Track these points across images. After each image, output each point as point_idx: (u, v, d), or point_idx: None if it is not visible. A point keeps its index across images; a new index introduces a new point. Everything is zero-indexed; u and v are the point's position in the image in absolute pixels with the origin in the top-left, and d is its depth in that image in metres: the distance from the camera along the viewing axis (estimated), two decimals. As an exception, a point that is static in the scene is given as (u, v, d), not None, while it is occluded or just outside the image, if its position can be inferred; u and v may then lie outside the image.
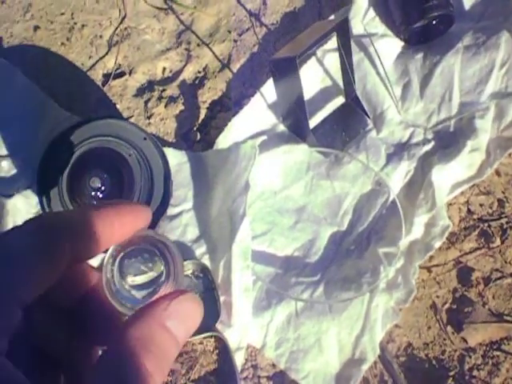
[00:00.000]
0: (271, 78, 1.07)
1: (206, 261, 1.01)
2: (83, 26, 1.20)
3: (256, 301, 0.99)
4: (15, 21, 1.20)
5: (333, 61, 1.09)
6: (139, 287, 0.38)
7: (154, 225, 1.00)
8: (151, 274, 0.38)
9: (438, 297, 1.00)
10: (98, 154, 0.99)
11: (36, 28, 1.19)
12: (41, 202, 0.96)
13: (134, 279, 0.38)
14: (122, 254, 0.37)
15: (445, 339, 0.98)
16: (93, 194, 1.01)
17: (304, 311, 0.98)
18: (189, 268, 1.00)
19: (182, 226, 1.04)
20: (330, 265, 1.02)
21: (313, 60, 1.10)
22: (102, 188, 1.01)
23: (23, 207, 1.02)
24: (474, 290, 1.00)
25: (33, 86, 1.11)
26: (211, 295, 0.98)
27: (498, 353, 0.96)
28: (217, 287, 0.98)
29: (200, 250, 1.02)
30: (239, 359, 0.96)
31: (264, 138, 1.04)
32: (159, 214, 1.00)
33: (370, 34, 1.13)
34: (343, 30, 1.02)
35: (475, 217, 1.04)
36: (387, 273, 0.98)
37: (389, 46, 1.14)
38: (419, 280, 1.00)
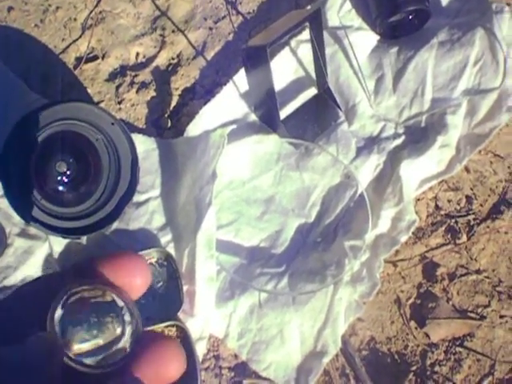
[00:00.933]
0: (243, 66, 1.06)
1: (171, 249, 1.01)
2: (58, 8, 1.18)
3: (219, 291, 0.98)
4: (-11, 1, 1.18)
5: (306, 51, 1.09)
6: (88, 354, 0.35)
7: (120, 211, 0.99)
8: (97, 342, 0.35)
9: (402, 291, 1.00)
10: (64, 138, 0.97)
11: (10, 9, 1.18)
12: (4, 186, 0.95)
13: (79, 347, 0.35)
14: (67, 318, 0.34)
15: (408, 334, 0.98)
16: (58, 178, 1.00)
17: (267, 302, 0.97)
18: (153, 256, 0.99)
19: (148, 213, 1.03)
20: (296, 256, 1.01)
21: (286, 50, 1.10)
22: (68, 172, 1.00)
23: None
24: (439, 285, 1.00)
25: (3, 68, 1.09)
26: (174, 284, 0.97)
27: (461, 349, 0.96)
28: (180, 276, 0.97)
29: (165, 238, 1.01)
30: (201, 349, 0.95)
31: (234, 127, 1.04)
32: (125, 201, 0.99)
33: (346, 26, 1.12)
34: (316, 20, 1.01)
35: (443, 212, 1.04)
36: (352, 266, 0.97)
37: (364, 39, 1.13)
38: (384, 274, 1.00)
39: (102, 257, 0.35)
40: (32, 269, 0.98)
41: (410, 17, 1.11)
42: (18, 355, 0.29)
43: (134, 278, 0.35)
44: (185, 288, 0.97)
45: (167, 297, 0.98)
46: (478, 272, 1.01)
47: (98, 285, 0.34)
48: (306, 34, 1.08)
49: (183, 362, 0.34)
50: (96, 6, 1.18)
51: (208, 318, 0.96)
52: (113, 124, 0.98)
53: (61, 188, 1.00)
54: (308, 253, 1.01)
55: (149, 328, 0.94)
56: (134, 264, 0.35)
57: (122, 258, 0.35)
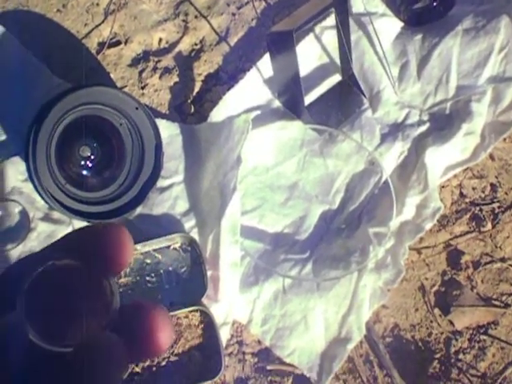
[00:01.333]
0: (268, 52, 1.06)
1: (195, 235, 1.01)
2: (80, -7, 1.18)
3: (243, 276, 0.98)
4: (10, -15, 1.18)
5: (331, 38, 1.08)
6: None
7: (143, 196, 0.99)
8: None
9: (426, 279, 1.00)
10: (88, 122, 0.97)
11: (32, -7, 1.17)
12: (28, 169, 0.95)
13: None
14: None
15: (432, 321, 0.97)
16: (82, 162, 1.00)
17: (291, 288, 0.97)
18: (177, 241, 0.99)
19: (172, 198, 1.03)
20: (320, 243, 1.01)
21: (311, 36, 1.09)
22: (92, 157, 1.00)
23: (12, 174, 1.01)
24: (463, 273, 1.00)
25: (26, 52, 1.09)
26: (198, 269, 0.98)
27: (485, 337, 0.96)
28: (204, 261, 0.97)
29: (189, 224, 1.01)
30: (225, 335, 0.96)
31: (258, 112, 1.03)
32: (149, 186, 0.99)
33: (370, 12, 1.11)
34: (342, 6, 1.01)
35: (467, 200, 1.04)
36: (376, 252, 0.97)
37: (388, 26, 1.12)
38: (408, 261, 1.00)
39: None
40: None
41: (435, 4, 1.10)
42: None
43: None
44: (209, 273, 0.97)
45: (191, 282, 0.98)
46: (502, 260, 1.00)
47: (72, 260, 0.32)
48: (330, 20, 1.07)
49: (171, 331, 0.33)
50: (118, -10, 1.18)
51: (232, 303, 0.96)
52: (137, 109, 0.98)
53: (85, 172, 1.00)
54: (332, 239, 1.01)
55: (173, 313, 0.95)
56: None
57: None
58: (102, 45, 1.14)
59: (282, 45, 0.99)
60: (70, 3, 1.17)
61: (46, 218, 1.01)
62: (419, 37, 1.11)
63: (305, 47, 1.08)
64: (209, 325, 0.96)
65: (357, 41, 1.10)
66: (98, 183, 1.01)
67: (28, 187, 1.01)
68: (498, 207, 1.03)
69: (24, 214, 1.01)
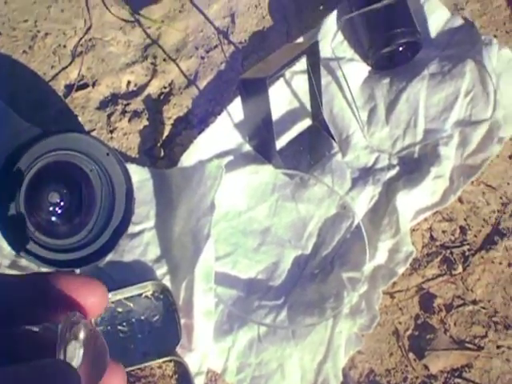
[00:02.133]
0: (238, 96, 1.06)
1: (167, 282, 0.99)
2: (47, 34, 1.17)
3: (217, 324, 0.97)
4: (-25, 26, 1.16)
5: (301, 83, 1.09)
6: None
7: (114, 243, 0.97)
8: None
9: (400, 323, 1.00)
10: (58, 168, 0.96)
11: (-3, 34, 1.16)
12: (-3, 216, 0.93)
13: None
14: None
15: (407, 366, 0.98)
16: (51, 209, 0.98)
17: (267, 336, 0.96)
18: (149, 289, 0.98)
19: (143, 244, 1.02)
20: (294, 288, 1.01)
21: (281, 81, 1.10)
22: (61, 203, 0.98)
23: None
24: (436, 316, 1.00)
25: (-9, 95, 1.07)
26: (172, 317, 0.96)
27: (459, 380, 0.96)
28: (178, 309, 0.96)
29: (161, 271, 1.00)
30: (199, 384, 0.94)
31: (230, 158, 1.03)
32: (120, 232, 0.98)
33: (338, 57, 1.13)
34: (313, 52, 1.01)
35: (438, 243, 1.05)
36: (351, 298, 0.97)
37: (356, 70, 1.14)
38: (382, 306, 1.00)
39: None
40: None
41: (401, 48, 1.12)
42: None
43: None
44: (182, 321, 0.96)
45: (164, 331, 0.96)
46: (474, 303, 1.01)
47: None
48: (299, 66, 1.08)
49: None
50: (86, 33, 1.17)
51: (206, 352, 0.94)
52: (108, 154, 0.97)
53: (54, 219, 0.98)
54: (306, 285, 1.01)
55: (146, 363, 0.93)
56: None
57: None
58: (69, 87, 1.13)
59: (255, 91, 1.00)
60: (36, 44, 1.16)
61: (14, 265, 0.99)
62: (387, 81, 1.13)
63: (275, 92, 1.08)
64: (183, 375, 0.95)
65: (326, 85, 1.11)
66: (67, 230, 0.99)
67: (-7, 234, 0.98)
68: (468, 250, 1.04)
69: (-10, 261, 0.99)
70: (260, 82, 0.96)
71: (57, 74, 1.14)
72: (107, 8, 1.19)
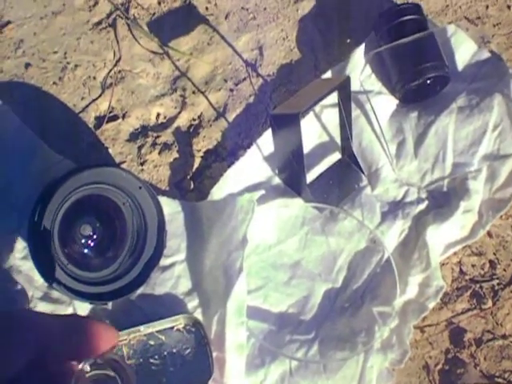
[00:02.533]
0: (268, 130, 1.07)
1: (199, 315, 1.00)
2: (76, 66, 1.18)
3: (249, 358, 0.97)
4: (6, 56, 1.17)
5: (331, 116, 1.10)
6: None
7: (146, 276, 0.98)
8: None
9: (430, 357, 1.01)
10: (91, 201, 0.97)
11: (27, 65, 1.17)
12: (30, 249, 0.93)
13: None
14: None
15: (437, 401, 0.98)
16: (83, 241, 0.99)
17: (298, 370, 0.97)
18: (180, 322, 0.98)
19: (174, 277, 1.02)
20: (325, 322, 1.01)
21: (311, 115, 1.11)
22: (94, 236, 0.99)
23: (9, 251, 0.99)
24: (466, 351, 1.01)
25: (23, 126, 1.08)
26: (203, 351, 0.97)
27: (490, 416, 0.96)
28: (209, 343, 0.96)
29: (192, 304, 1.01)
30: (231, 418, 0.94)
31: (262, 192, 1.04)
32: (152, 265, 0.99)
33: (367, 90, 1.14)
34: (345, 87, 1.03)
35: (467, 277, 1.05)
36: (382, 333, 0.98)
37: (384, 104, 1.15)
38: (412, 340, 1.00)
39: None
40: (55, 334, 0.96)
41: (429, 82, 1.13)
42: None
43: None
44: (214, 355, 0.96)
45: (196, 364, 0.97)
46: (503, 337, 1.02)
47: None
48: (329, 100, 1.09)
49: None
50: (115, 65, 1.18)
51: (238, 386, 0.95)
52: (140, 188, 0.98)
53: (86, 251, 0.99)
54: (336, 319, 1.01)
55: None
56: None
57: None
58: (99, 119, 1.14)
59: (286, 125, 1.01)
60: (66, 76, 1.17)
61: (46, 298, 0.99)
62: (415, 114, 1.14)
63: (305, 126, 1.09)
64: (215, 409, 0.95)
65: (355, 119, 1.12)
66: (99, 263, 0.99)
67: (26, 265, 0.99)
68: (498, 284, 1.05)
69: (23, 292, 0.99)
70: (292, 117, 0.97)
71: (87, 106, 1.15)
72: (136, 40, 1.20)
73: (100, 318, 1.00)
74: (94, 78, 1.18)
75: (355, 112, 1.13)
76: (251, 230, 1.01)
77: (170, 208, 1.06)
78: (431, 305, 1.00)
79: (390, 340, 0.98)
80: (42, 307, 0.98)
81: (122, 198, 0.98)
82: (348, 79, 1.01)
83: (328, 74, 1.15)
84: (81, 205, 0.96)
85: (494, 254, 1.07)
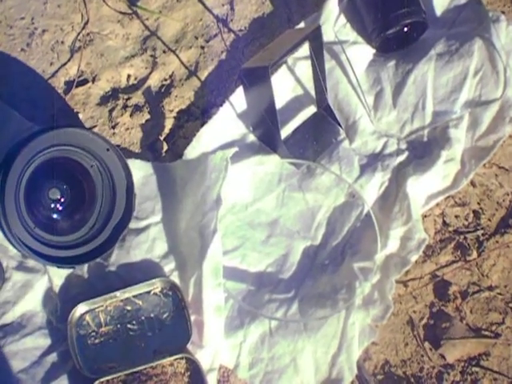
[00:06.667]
0: (241, 86, 1.04)
1: (176, 278, 0.97)
2: (44, 31, 1.15)
3: (228, 319, 0.95)
4: (-29, 25, 1.14)
5: (304, 69, 1.06)
6: None
7: (116, 239, 0.96)
8: None
9: (414, 312, 0.98)
10: (57, 164, 0.94)
11: (-6, 33, 1.14)
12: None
13: None
14: None
15: (422, 356, 0.95)
16: (52, 205, 0.97)
17: (278, 330, 0.94)
18: (157, 286, 0.96)
19: (149, 240, 1.00)
20: (304, 280, 0.99)
21: (283, 68, 1.07)
22: (62, 200, 0.97)
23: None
24: (452, 304, 0.98)
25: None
26: (181, 314, 0.94)
27: (477, 369, 0.94)
28: (187, 306, 0.94)
29: (169, 267, 0.98)
30: (212, 381, 0.92)
31: (235, 149, 1.00)
32: (121, 228, 0.97)
33: (341, 41, 1.10)
34: (316, 37, 0.99)
35: (451, 229, 1.02)
36: (363, 288, 0.95)
37: (360, 54, 1.11)
38: (395, 295, 0.97)
39: None
40: (31, 303, 0.95)
41: (407, 29, 1.09)
42: None
43: None
44: (192, 318, 0.94)
45: (174, 328, 0.95)
46: (490, 289, 0.99)
47: None
48: (302, 52, 1.05)
49: None
50: (83, 28, 1.15)
51: (218, 348, 0.93)
52: (108, 150, 0.95)
53: (55, 216, 0.97)
54: (317, 276, 0.99)
55: (157, 362, 0.91)
56: None
57: None
58: (69, 84, 1.11)
59: (257, 80, 0.97)
60: (34, 42, 1.14)
61: (21, 267, 0.97)
62: (392, 63, 1.10)
63: (278, 80, 1.06)
64: (195, 371, 0.93)
65: (330, 71, 1.08)
66: (68, 226, 0.97)
67: (-1, 236, 0.97)
68: (483, 234, 1.02)
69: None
70: (262, 70, 0.94)
71: (56, 71, 1.12)
72: (104, 1, 1.17)
73: (76, 285, 0.98)
74: (63, 42, 1.14)
75: (330, 63, 1.09)
76: (226, 189, 0.98)
77: (143, 171, 1.03)
78: (413, 258, 0.97)
79: (372, 296, 0.96)
80: (18, 276, 0.96)
81: (89, 161, 0.95)
82: (319, 28, 0.98)
83: (301, 26, 1.11)
84: (47, 168, 0.93)
85: (478, 203, 1.04)
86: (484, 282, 0.99)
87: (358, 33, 1.13)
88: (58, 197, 0.97)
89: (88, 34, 1.15)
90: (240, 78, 1.01)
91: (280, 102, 1.07)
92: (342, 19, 1.13)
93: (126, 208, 0.97)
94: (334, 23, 1.11)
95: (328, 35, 1.10)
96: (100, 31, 1.15)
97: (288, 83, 1.08)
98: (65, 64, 1.13)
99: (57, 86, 1.11)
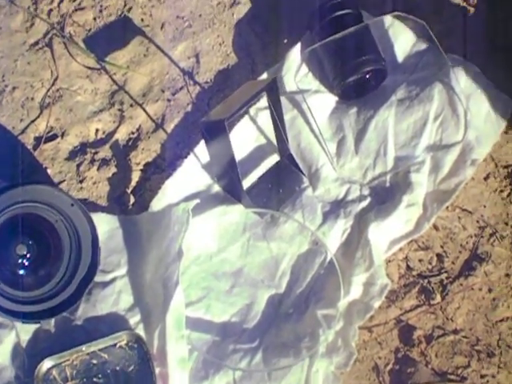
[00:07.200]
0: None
1: (141, 330, 0.98)
2: (14, 88, 1.17)
3: (193, 371, 0.95)
4: None
5: (266, 119, 1.08)
6: None
7: (81, 293, 0.97)
8: None
9: (379, 358, 0.98)
10: (24, 220, 0.96)
11: (-35, 90, 1.16)
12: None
13: None
14: None
15: (388, 402, 0.95)
16: (19, 261, 0.98)
17: (242, 380, 0.95)
18: (123, 339, 0.96)
19: (115, 293, 1.01)
20: (269, 329, 0.99)
21: (246, 119, 1.09)
22: (28, 255, 0.98)
23: None
24: (417, 349, 0.98)
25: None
26: (146, 367, 0.95)
27: (444, 413, 0.94)
28: (152, 358, 0.95)
29: (134, 319, 0.99)
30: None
31: (197, 201, 1.02)
32: (87, 282, 0.98)
33: (304, 90, 1.12)
34: (272, 89, 1.01)
35: (415, 273, 1.03)
36: (326, 336, 0.95)
37: (323, 102, 1.13)
38: (360, 341, 0.98)
39: None
40: (0, 358, 0.95)
41: (367, 76, 1.10)
42: None
43: None
44: (157, 370, 0.94)
45: (140, 381, 0.95)
46: (455, 332, 0.99)
47: None
48: (263, 102, 1.07)
49: None
50: (53, 84, 1.18)
51: (183, 400, 0.93)
52: (72, 205, 0.97)
53: (21, 271, 0.98)
54: (281, 325, 0.99)
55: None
56: None
57: None
58: (38, 139, 1.13)
59: (216, 132, 0.99)
60: (4, 99, 1.16)
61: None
62: (354, 110, 1.12)
63: (241, 130, 1.08)
64: (160, 424, 0.93)
65: (292, 120, 1.10)
66: (34, 281, 0.99)
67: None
68: (447, 278, 1.02)
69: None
70: (219, 124, 0.95)
71: (26, 128, 1.15)
72: (73, 57, 1.19)
73: (43, 340, 0.98)
74: (32, 98, 1.17)
75: (292, 113, 1.11)
76: (190, 240, 1.00)
77: (109, 224, 1.04)
78: (376, 304, 0.98)
79: (336, 343, 0.96)
80: (-15, 332, 0.97)
81: (54, 216, 0.97)
82: (274, 80, 1.00)
83: (264, 77, 1.14)
84: (13, 224, 0.95)
85: (442, 246, 1.05)
86: (449, 326, 0.99)
87: (320, 81, 1.15)
88: (25, 252, 0.98)
89: (57, 90, 1.17)
90: (201, 130, 1.02)
91: (244, 152, 1.08)
92: (305, 68, 1.15)
93: (92, 262, 0.98)
94: (295, 73, 1.12)
95: (290, 85, 1.12)
96: (69, 87, 1.17)
97: (251, 133, 1.10)
98: (34, 120, 1.15)
99: (26, 142, 1.13)
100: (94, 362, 0.96)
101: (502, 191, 1.08)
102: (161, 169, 1.10)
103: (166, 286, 0.95)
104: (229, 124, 0.98)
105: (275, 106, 1.03)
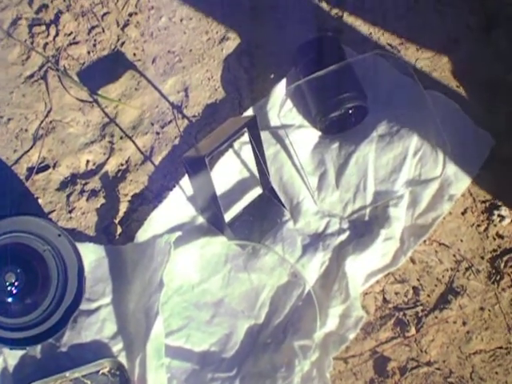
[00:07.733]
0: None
1: (123, 358, 1.01)
2: (9, 119, 1.21)
3: (172, 399, 0.98)
4: None
5: (249, 153, 1.11)
6: None
7: (66, 321, 1.00)
8: None
9: (354, 389, 1.00)
10: (12, 250, 1.00)
11: (-38, 122, 1.21)
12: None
13: None
14: None
15: (361, 433, 0.97)
16: (8, 289, 1.02)
17: (219, 409, 0.97)
18: (105, 366, 1.00)
19: (99, 321, 1.04)
20: (247, 359, 1.02)
21: (230, 152, 1.13)
22: (16, 283, 1.02)
23: None
24: (391, 380, 1.00)
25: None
26: (127, 394, 0.98)
27: None
28: (133, 386, 0.98)
29: (117, 347, 1.02)
30: None
31: (179, 233, 1.05)
32: (71, 311, 1.01)
33: (287, 125, 1.15)
34: (253, 126, 1.04)
35: (391, 305, 1.05)
36: (302, 366, 0.98)
37: (306, 136, 1.16)
38: (336, 371, 1.00)
39: None
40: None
41: (349, 112, 1.14)
42: None
43: None
44: (137, 398, 0.97)
45: (120, 408, 0.98)
46: (428, 364, 1.01)
47: None
48: (247, 137, 1.10)
49: None
50: (46, 116, 1.22)
51: (161, 428, 0.95)
52: (59, 235, 1.01)
53: (9, 299, 1.02)
54: (258, 355, 1.01)
55: None
56: None
57: None
58: (30, 170, 1.17)
59: (197, 168, 1.02)
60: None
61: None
62: (336, 145, 1.15)
63: (226, 163, 1.12)
64: None
65: (275, 154, 1.14)
66: (21, 309, 1.02)
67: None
68: (422, 310, 1.04)
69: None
70: (200, 160, 0.99)
71: (19, 158, 1.18)
72: (66, 90, 1.23)
73: (29, 365, 1.02)
74: (26, 130, 1.21)
75: (275, 147, 1.14)
76: (173, 270, 1.03)
77: (96, 254, 1.08)
78: (351, 335, 1.00)
79: (311, 373, 0.98)
80: (-27, 358, 1.00)
81: (42, 246, 1.01)
82: (254, 118, 1.03)
83: (250, 112, 1.17)
84: (2, 253, 0.99)
85: (418, 280, 1.07)
86: (423, 358, 1.02)
87: (303, 116, 1.18)
88: (13, 280, 1.01)
89: (51, 122, 1.21)
90: (184, 166, 1.06)
91: (228, 184, 1.12)
92: (289, 104, 1.18)
93: (78, 291, 1.02)
94: (279, 109, 1.16)
95: (274, 120, 1.16)
96: (62, 119, 1.21)
97: (235, 166, 1.13)
98: (27, 151, 1.19)
99: (19, 173, 1.17)
100: (78, 388, 1.00)
101: (479, 226, 1.11)
102: (148, 200, 1.14)
103: (148, 316, 0.99)
104: (213, 158, 1.02)
105: (256, 142, 1.06)
